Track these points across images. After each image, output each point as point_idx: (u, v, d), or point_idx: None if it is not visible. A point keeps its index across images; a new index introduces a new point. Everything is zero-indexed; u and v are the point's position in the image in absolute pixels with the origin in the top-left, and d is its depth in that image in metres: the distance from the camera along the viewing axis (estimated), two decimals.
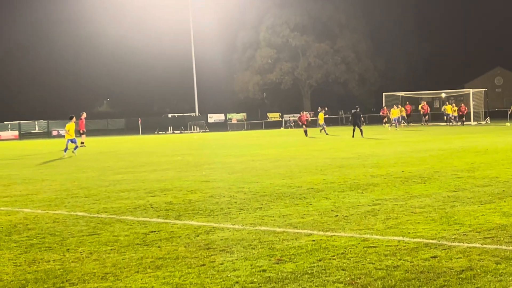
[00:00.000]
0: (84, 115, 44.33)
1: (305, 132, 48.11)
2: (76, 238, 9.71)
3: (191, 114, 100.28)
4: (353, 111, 46.71)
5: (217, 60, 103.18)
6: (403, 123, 62.25)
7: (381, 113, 67.40)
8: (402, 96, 72.59)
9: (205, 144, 43.14)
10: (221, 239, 9.22)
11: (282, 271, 7.30)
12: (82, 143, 40.64)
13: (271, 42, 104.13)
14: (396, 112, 58.69)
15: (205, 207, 12.49)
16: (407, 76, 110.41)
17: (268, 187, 15.35)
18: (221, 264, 7.75)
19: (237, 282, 6.89)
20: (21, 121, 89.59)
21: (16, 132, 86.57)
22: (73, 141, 32.17)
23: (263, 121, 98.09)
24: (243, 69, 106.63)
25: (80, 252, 8.70)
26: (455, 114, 64.00)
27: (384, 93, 74.92)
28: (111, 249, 8.82)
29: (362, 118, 46.31)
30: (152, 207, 12.72)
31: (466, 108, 65.17)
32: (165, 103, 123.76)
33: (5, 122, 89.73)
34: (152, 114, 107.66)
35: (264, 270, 7.35)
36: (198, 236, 9.55)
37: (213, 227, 10.21)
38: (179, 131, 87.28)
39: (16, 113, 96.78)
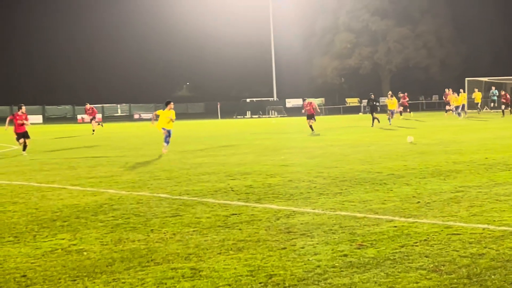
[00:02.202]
0: (88, 106, 46.69)
1: (310, 126, 35.61)
2: (159, 219, 9.92)
3: (269, 98, 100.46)
4: (369, 98, 44.60)
5: (295, 44, 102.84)
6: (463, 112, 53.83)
7: (443, 99, 62.17)
8: (485, 81, 70.54)
9: (283, 129, 43.19)
10: (302, 223, 9.25)
11: (363, 256, 7.27)
12: (93, 130, 44.21)
13: (350, 26, 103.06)
14: (456, 100, 52.29)
15: (284, 191, 12.55)
16: (491, 62, 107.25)
17: (348, 172, 15.27)
18: (302, 248, 7.78)
19: (318, 266, 6.90)
20: (104, 105, 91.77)
21: (100, 115, 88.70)
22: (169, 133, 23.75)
23: (341, 106, 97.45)
24: (321, 54, 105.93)
25: (164, 233, 8.90)
26: None
27: (466, 79, 73.08)
28: (194, 231, 8.97)
29: (378, 106, 44.08)
30: (232, 190, 12.86)
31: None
32: (243, 88, 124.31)
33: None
34: (231, 99, 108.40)
35: (345, 255, 7.34)
36: (278, 219, 9.61)
37: (293, 211, 10.25)
38: (257, 116, 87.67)
39: (99, 96, 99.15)
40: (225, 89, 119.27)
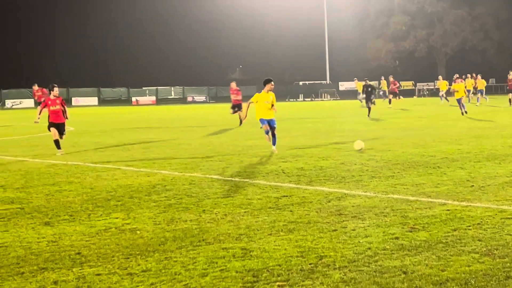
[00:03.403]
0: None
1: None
2: (211, 200, 10.01)
3: (322, 81, 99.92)
4: (364, 84, 36.55)
5: (349, 27, 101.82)
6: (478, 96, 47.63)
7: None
8: None
9: (336, 112, 42.94)
10: (353, 206, 9.22)
11: (415, 239, 7.21)
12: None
13: (405, 8, 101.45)
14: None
15: (336, 173, 12.50)
16: None
17: (401, 156, 15.13)
18: (353, 230, 7.76)
19: (369, 248, 6.88)
20: (158, 87, 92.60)
21: (154, 98, 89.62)
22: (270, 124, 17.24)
23: None
24: (375, 37, 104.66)
25: (215, 213, 8.97)
26: None
27: None
28: (245, 212, 9.03)
29: (374, 93, 36.05)
30: (283, 173, 12.87)
31: None
32: (296, 71, 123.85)
33: (143, 88, 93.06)
34: (283, 82, 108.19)
35: (396, 238, 7.29)
36: (329, 202, 9.59)
37: (345, 194, 10.21)
38: (309, 99, 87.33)
39: (154, 79, 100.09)
40: (277, 72, 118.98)
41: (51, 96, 18.58)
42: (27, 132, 27.98)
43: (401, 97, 51.20)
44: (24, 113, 57.11)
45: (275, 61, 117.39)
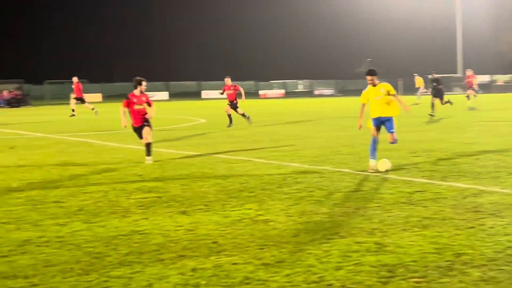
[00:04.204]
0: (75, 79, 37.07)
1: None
2: (342, 194, 9.98)
3: (452, 75, 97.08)
4: (431, 79, 32.81)
5: (482, 19, 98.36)
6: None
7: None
8: None
9: (469, 106, 41.55)
10: (490, 203, 8.91)
11: None
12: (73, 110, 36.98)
13: None
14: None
15: (471, 169, 12.13)
16: None
17: None
18: (491, 227, 7.50)
19: (509, 247, 6.63)
20: (285, 80, 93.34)
21: (282, 91, 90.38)
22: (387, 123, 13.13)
23: None
24: (511, 28, 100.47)
25: (347, 207, 8.94)
26: None
27: None
28: (377, 206, 8.94)
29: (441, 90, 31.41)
30: (415, 167, 12.63)
31: None
32: (425, 64, 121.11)
33: (270, 81, 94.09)
34: (413, 75, 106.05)
35: None
36: (465, 198, 9.32)
37: (481, 190, 9.89)
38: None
39: (281, 72, 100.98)
40: (406, 65, 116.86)
41: (137, 92, 14.92)
42: (160, 124, 28.98)
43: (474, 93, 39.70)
44: (157, 105, 59.12)
45: (403, 54, 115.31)
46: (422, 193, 9.84)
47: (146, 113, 14.83)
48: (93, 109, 36.79)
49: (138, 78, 15.17)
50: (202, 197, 10.02)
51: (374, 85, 12.61)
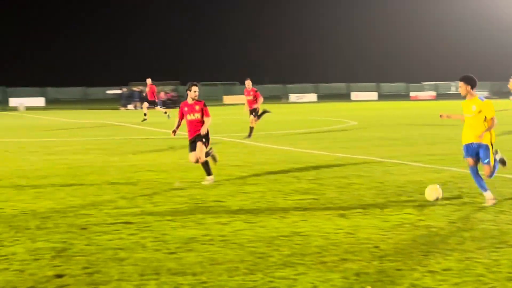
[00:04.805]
0: (149, 81, 34.97)
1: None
2: (509, 201, 9.54)
3: None
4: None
5: None
6: None
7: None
8: None
9: None
10: None
11: None
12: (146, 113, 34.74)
13: None
14: None
15: None
16: None
17: None
18: None
19: None
20: (437, 82, 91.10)
21: (433, 93, 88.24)
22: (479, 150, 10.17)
23: None
24: None
25: None
26: None
27: None
28: None
29: None
30: None
31: None
32: None
33: (421, 83, 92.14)
34: None
35: None
36: None
37: None
38: None
39: (433, 74, 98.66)
40: None
41: (189, 100, 12.28)
42: (310, 125, 29.07)
43: None
44: (306, 107, 59.56)
45: None
46: None
47: (201, 124, 12.12)
48: (165, 112, 35.08)
49: (190, 83, 12.44)
50: (359, 200, 9.92)
51: (469, 97, 9.77)
